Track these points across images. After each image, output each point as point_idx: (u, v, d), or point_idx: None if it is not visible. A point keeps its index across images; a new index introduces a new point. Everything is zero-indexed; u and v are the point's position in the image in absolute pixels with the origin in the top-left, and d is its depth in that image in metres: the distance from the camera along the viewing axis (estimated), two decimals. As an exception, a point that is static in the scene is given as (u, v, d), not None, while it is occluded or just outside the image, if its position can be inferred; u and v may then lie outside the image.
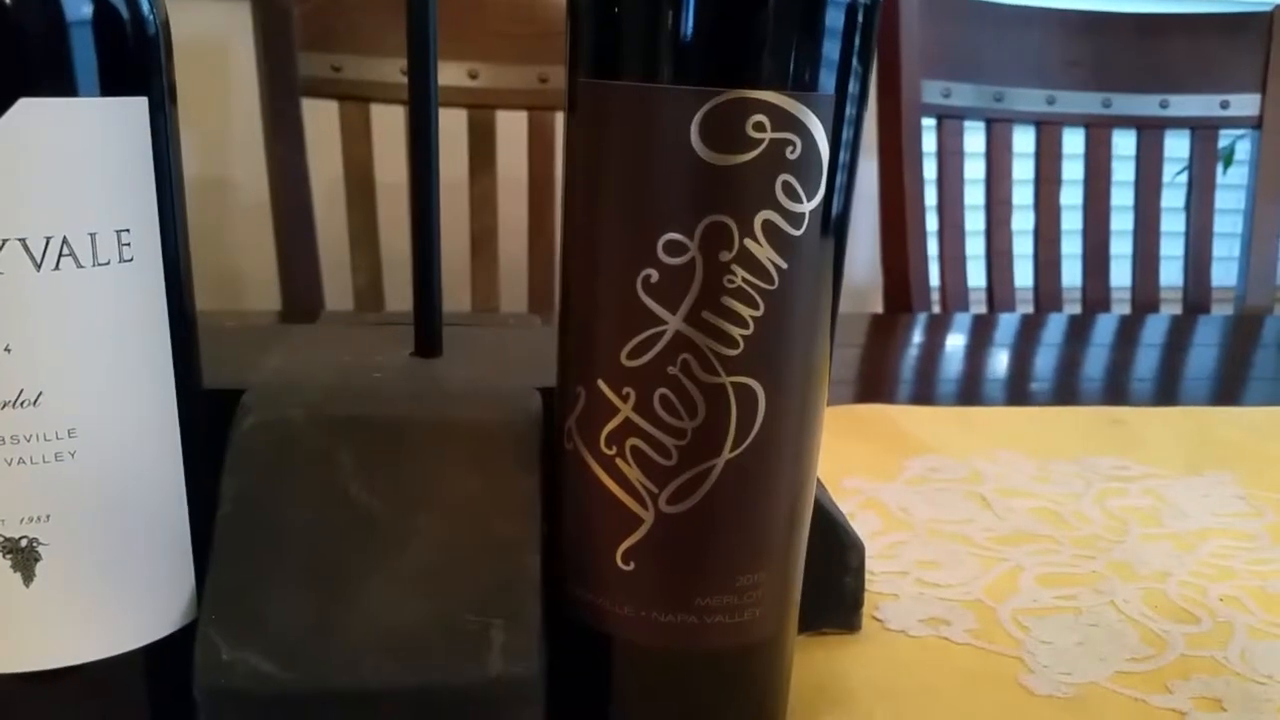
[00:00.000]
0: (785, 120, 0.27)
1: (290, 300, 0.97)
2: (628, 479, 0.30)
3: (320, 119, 0.97)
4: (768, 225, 0.28)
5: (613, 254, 0.29)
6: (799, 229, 0.28)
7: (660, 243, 0.28)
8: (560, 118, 1.04)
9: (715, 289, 0.28)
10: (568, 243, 0.31)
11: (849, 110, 0.28)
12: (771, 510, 0.31)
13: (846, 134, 0.29)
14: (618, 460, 0.30)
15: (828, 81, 0.28)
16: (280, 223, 0.97)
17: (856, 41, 0.28)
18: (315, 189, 0.97)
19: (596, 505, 0.31)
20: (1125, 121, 1.11)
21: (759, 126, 0.27)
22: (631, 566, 0.31)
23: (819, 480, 0.37)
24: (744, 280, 0.28)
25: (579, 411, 0.31)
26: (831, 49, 0.27)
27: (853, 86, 0.28)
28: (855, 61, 0.28)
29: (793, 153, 0.28)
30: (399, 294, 0.99)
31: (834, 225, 0.29)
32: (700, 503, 0.30)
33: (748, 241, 0.28)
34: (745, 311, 0.29)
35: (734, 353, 0.29)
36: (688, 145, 0.27)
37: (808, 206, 0.28)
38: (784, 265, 0.28)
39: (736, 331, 0.29)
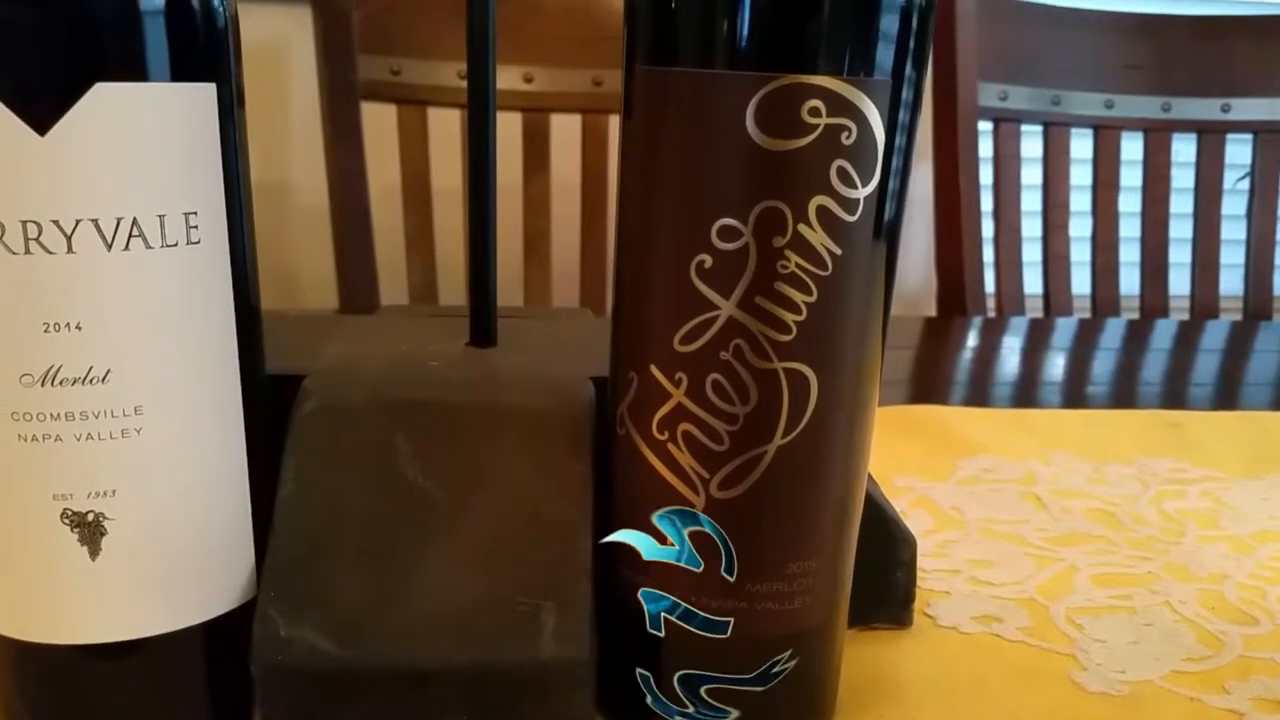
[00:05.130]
0: (841, 105, 0.27)
1: (347, 301, 0.98)
2: (679, 464, 0.30)
3: (379, 123, 0.98)
4: (822, 211, 0.28)
5: (667, 239, 0.29)
6: (853, 215, 0.28)
7: (714, 228, 0.28)
8: (614, 120, 1.05)
9: (769, 274, 0.28)
10: (623, 229, 0.31)
11: (905, 96, 0.28)
12: (822, 497, 0.31)
13: (903, 120, 0.29)
14: (669, 445, 0.30)
15: (884, 67, 0.28)
16: (338, 225, 0.98)
17: (913, 27, 0.28)
18: (373, 192, 0.98)
19: (648, 490, 0.31)
20: (1185, 125, 1.09)
21: (814, 112, 0.27)
22: (683, 551, 0.31)
23: (870, 475, 0.37)
24: (797, 266, 0.28)
25: (631, 397, 0.31)
26: (888, 34, 0.27)
27: (909, 72, 0.28)
28: (912, 47, 0.28)
29: (848, 138, 0.28)
30: (453, 295, 1.00)
31: (889, 212, 0.29)
32: (751, 488, 0.30)
33: (802, 227, 0.28)
34: (798, 297, 0.29)
35: (787, 338, 0.29)
36: (743, 130, 0.27)
37: (862, 192, 0.28)
38: (838, 251, 0.29)
39: (789, 317, 0.29)
